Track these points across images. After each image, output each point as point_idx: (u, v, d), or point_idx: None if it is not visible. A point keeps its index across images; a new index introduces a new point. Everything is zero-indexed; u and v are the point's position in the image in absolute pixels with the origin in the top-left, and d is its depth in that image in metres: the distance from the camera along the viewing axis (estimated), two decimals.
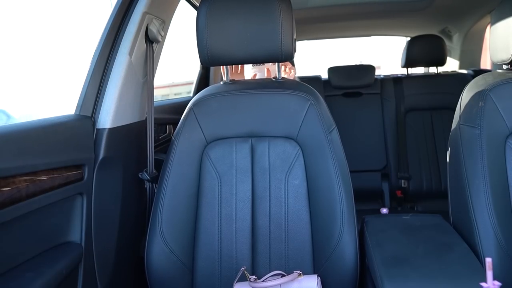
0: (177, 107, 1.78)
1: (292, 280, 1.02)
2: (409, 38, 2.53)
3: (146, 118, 1.31)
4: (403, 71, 2.58)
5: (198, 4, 1.99)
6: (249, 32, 1.12)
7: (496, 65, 1.53)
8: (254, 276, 1.06)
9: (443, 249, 0.95)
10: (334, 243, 1.06)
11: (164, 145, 1.67)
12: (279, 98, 1.16)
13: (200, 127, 1.16)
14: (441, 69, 2.41)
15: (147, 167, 1.27)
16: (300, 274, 1.04)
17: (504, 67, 1.15)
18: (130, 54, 1.19)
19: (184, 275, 1.12)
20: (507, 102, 1.04)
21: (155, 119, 1.31)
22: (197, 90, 2.31)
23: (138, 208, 1.31)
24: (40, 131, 0.95)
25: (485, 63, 3.03)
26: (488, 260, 0.71)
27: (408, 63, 2.39)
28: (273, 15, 1.11)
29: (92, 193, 1.09)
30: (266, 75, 1.56)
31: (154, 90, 1.33)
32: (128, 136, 1.24)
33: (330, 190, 1.08)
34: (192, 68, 2.46)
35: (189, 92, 2.50)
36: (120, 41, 1.18)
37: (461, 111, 1.11)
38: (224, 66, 1.24)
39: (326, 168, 1.10)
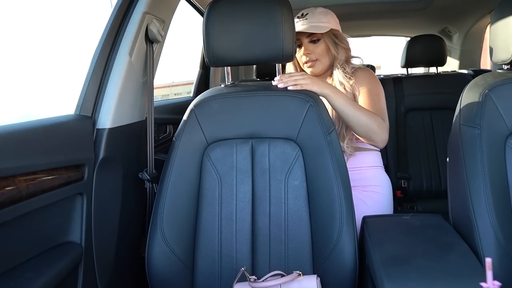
0: (177, 107, 1.79)
1: (291, 280, 1.02)
2: (409, 38, 2.53)
3: (146, 118, 1.31)
4: (403, 71, 2.58)
5: (198, 5, 2.00)
6: (252, 34, 1.15)
7: (496, 65, 1.53)
8: (254, 277, 1.06)
9: (443, 249, 0.95)
10: (333, 243, 1.06)
11: (164, 145, 1.67)
12: (279, 100, 1.16)
13: (201, 128, 1.17)
14: (441, 69, 2.41)
15: (147, 167, 1.27)
16: (299, 274, 1.04)
17: (504, 67, 1.15)
18: (130, 54, 1.19)
19: (184, 275, 1.12)
20: (507, 102, 1.04)
21: (155, 119, 1.31)
22: (197, 91, 2.31)
23: (138, 208, 1.31)
24: (40, 131, 0.95)
25: (485, 63, 3.03)
26: (488, 260, 0.71)
27: (408, 63, 2.39)
28: (274, 19, 1.14)
29: (92, 193, 1.10)
30: None
31: (154, 90, 1.33)
32: (128, 136, 1.24)
33: (329, 190, 1.09)
34: (192, 68, 2.46)
35: (189, 92, 2.50)
36: (120, 41, 1.19)
37: (461, 111, 1.11)
38: (226, 68, 1.26)
39: (326, 169, 1.10)
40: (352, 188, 1.32)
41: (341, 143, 1.38)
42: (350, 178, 1.36)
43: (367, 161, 1.48)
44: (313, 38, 1.44)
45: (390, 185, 1.51)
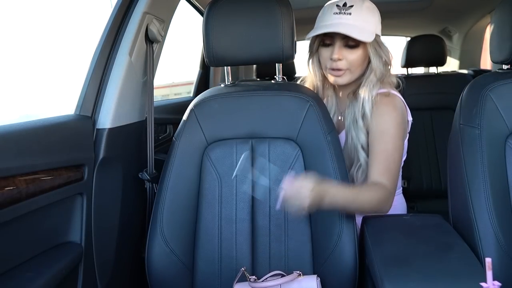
0: (177, 107, 1.78)
1: (291, 280, 1.02)
2: (409, 38, 2.53)
3: (146, 118, 1.31)
4: (403, 71, 2.58)
5: (198, 5, 2.00)
6: (252, 34, 1.15)
7: (496, 65, 1.53)
8: (254, 277, 1.06)
9: (443, 249, 0.95)
10: (333, 243, 1.06)
11: (164, 145, 1.67)
12: (279, 99, 1.16)
13: (201, 128, 1.17)
14: (441, 69, 2.41)
15: (147, 167, 1.27)
16: (299, 274, 1.04)
17: (504, 67, 1.15)
18: (130, 54, 1.19)
19: (184, 275, 1.12)
20: (507, 102, 1.04)
21: (155, 119, 1.31)
22: (197, 91, 2.31)
23: (138, 208, 1.31)
24: (40, 131, 0.95)
25: (485, 63, 3.02)
26: (488, 260, 0.71)
27: (408, 63, 2.39)
28: (274, 19, 1.14)
29: (92, 193, 1.10)
30: None
31: (154, 90, 1.33)
32: (128, 136, 1.24)
33: None
34: (192, 68, 2.46)
35: (189, 92, 2.50)
36: (120, 41, 1.19)
37: (461, 111, 1.11)
38: (226, 68, 1.25)
39: (326, 168, 1.10)
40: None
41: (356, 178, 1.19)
42: None
43: None
44: (351, 42, 1.13)
45: (406, 210, 1.35)
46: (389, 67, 1.20)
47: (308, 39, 1.20)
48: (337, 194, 1.01)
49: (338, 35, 1.13)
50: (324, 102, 1.23)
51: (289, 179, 0.96)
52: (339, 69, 1.16)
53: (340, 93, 1.27)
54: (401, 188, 1.34)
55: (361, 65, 1.17)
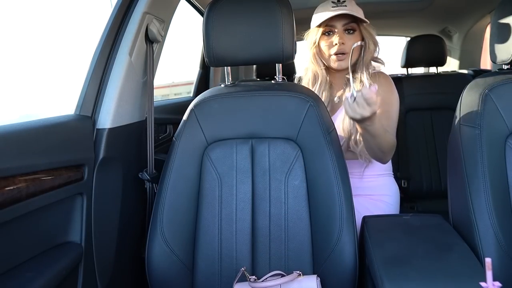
0: (177, 107, 1.79)
1: (291, 280, 1.02)
2: (409, 38, 2.53)
3: (146, 118, 1.32)
4: (403, 71, 2.58)
5: (198, 5, 2.00)
6: (252, 34, 1.15)
7: (496, 65, 1.53)
8: (254, 277, 1.06)
9: (443, 249, 0.95)
10: (333, 243, 1.06)
11: (164, 145, 1.67)
12: (279, 99, 1.16)
13: (201, 128, 1.17)
14: (441, 69, 2.41)
15: (147, 167, 1.27)
16: (299, 274, 1.04)
17: (504, 67, 1.15)
18: (130, 54, 1.19)
19: (185, 275, 1.12)
20: (507, 102, 1.04)
21: (155, 119, 1.31)
22: (197, 91, 2.31)
23: (138, 208, 1.31)
24: (40, 131, 0.95)
25: (485, 63, 3.03)
26: (488, 260, 0.71)
27: (408, 63, 2.39)
28: (274, 19, 1.14)
29: (92, 193, 1.10)
30: None
31: (154, 90, 1.34)
32: (128, 136, 1.24)
33: (329, 190, 1.09)
34: (192, 68, 2.46)
35: (189, 92, 2.50)
36: (120, 41, 1.19)
37: (461, 111, 1.11)
38: (226, 68, 1.26)
39: (326, 168, 1.10)
40: (359, 196, 1.31)
41: (356, 149, 1.33)
42: (359, 186, 1.35)
43: (379, 169, 1.42)
44: (349, 27, 1.33)
45: (398, 194, 1.47)
46: (377, 47, 1.38)
47: (313, 27, 1.36)
48: (379, 123, 1.14)
49: (339, 23, 1.32)
50: (323, 98, 1.37)
51: (375, 89, 1.03)
52: (343, 53, 1.32)
53: (333, 80, 1.43)
54: (393, 173, 1.51)
55: (358, 49, 1.35)
